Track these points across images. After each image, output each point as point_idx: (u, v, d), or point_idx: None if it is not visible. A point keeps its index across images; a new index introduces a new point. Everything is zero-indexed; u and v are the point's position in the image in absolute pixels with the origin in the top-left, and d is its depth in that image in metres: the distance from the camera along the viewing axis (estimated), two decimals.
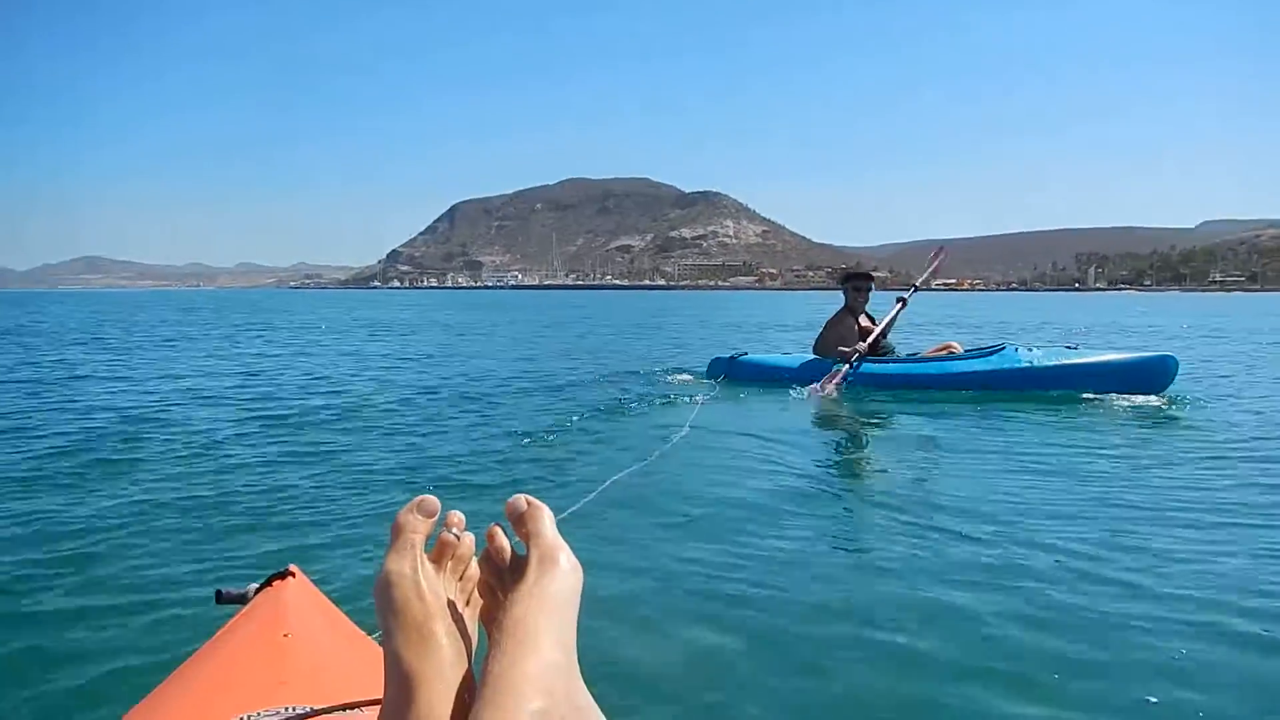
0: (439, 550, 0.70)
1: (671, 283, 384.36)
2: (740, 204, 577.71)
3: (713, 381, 7.77)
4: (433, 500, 0.69)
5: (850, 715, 1.89)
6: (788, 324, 22.73)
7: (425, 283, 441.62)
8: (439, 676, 0.61)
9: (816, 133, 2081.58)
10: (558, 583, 0.63)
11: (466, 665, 0.64)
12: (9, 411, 6.19)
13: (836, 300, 8.12)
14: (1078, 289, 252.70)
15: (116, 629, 2.28)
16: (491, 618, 0.66)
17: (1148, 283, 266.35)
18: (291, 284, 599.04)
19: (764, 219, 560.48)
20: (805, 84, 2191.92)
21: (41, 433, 5.33)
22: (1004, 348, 7.32)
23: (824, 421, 6.10)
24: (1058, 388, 6.96)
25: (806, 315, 28.01)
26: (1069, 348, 7.42)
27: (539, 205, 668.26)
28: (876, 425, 6.02)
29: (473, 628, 0.69)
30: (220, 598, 1.35)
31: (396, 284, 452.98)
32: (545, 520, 0.67)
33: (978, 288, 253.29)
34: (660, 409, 6.41)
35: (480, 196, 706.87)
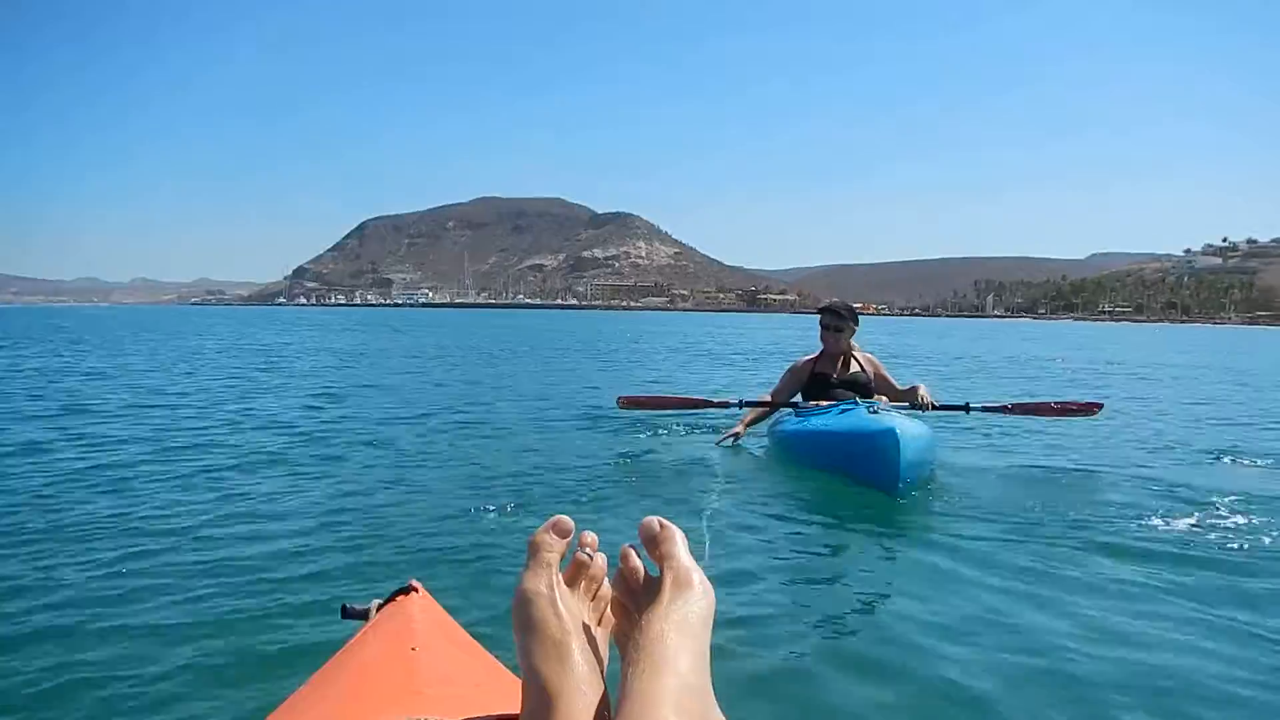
0: (574, 570, 0.70)
1: (584, 302, 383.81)
2: (652, 225, 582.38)
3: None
4: (567, 521, 0.69)
5: None
6: (750, 349, 22.28)
7: (333, 300, 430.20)
8: (576, 692, 0.61)
9: (727, 157, 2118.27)
10: (693, 604, 0.64)
11: (602, 682, 0.64)
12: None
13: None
14: (978, 315, 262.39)
15: (243, 642, 2.33)
16: (626, 637, 0.66)
17: (1042, 311, 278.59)
18: (193, 300, 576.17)
19: (676, 240, 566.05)
20: (717, 109, 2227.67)
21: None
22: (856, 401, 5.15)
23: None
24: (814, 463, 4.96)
25: (760, 340, 27.83)
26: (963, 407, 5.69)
27: (451, 223, 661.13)
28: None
29: (605, 646, 0.69)
30: (345, 613, 1.37)
31: (303, 301, 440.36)
32: (679, 542, 0.67)
33: (882, 313, 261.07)
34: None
35: (391, 214, 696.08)
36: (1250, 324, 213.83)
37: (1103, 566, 3.18)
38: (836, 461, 4.68)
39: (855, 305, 6.01)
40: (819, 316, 5.86)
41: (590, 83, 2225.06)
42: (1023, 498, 4.34)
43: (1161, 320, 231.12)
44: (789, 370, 5.97)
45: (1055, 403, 6.17)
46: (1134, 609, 2.71)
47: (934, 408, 5.46)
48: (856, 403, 5.02)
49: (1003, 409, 5.92)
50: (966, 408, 5.73)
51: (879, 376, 5.72)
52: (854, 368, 5.74)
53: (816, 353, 5.87)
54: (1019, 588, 2.90)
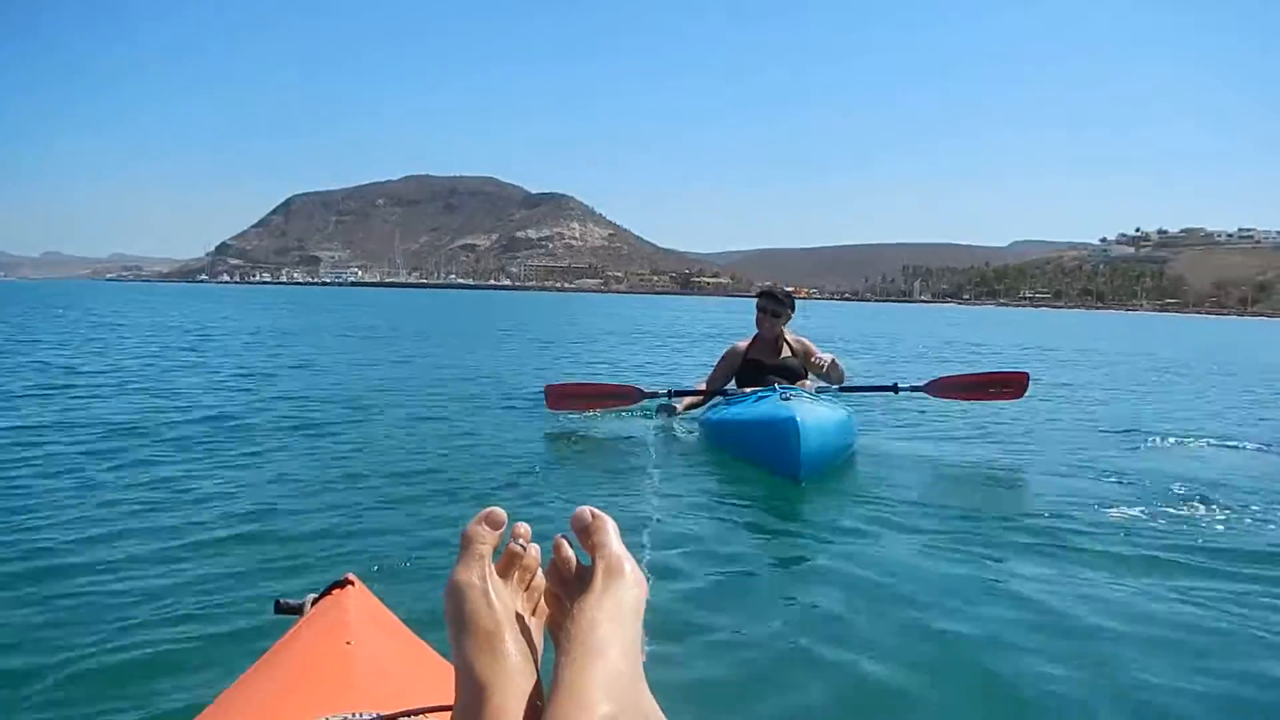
0: (506, 561, 0.71)
1: (517, 283, 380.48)
2: (587, 207, 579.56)
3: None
4: (500, 513, 0.69)
5: None
6: (689, 333, 22.34)
7: (258, 278, 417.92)
8: (509, 683, 0.62)
9: (662, 140, 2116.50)
10: (624, 593, 0.64)
11: (535, 672, 0.65)
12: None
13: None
14: (905, 300, 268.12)
15: (173, 639, 2.28)
16: (559, 627, 0.67)
17: (966, 297, 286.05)
18: (109, 276, 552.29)
19: (610, 223, 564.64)
20: (651, 93, 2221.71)
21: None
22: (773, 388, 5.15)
23: None
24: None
25: (701, 323, 27.91)
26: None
27: (380, 200, 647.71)
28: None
29: (539, 637, 0.70)
30: (279, 608, 1.36)
31: (226, 278, 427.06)
32: (611, 532, 0.68)
33: (814, 296, 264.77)
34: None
35: (318, 190, 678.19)
36: (1160, 311, 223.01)
37: (1008, 552, 3.25)
38: (749, 449, 4.67)
39: (789, 289, 6.03)
40: (756, 300, 5.86)
41: (524, 62, 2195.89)
42: (941, 484, 4.44)
43: (1078, 306, 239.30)
44: (724, 355, 5.97)
45: (981, 374, 6.28)
46: (1055, 595, 2.76)
47: (842, 382, 5.64)
48: (774, 389, 5.01)
49: (929, 388, 6.01)
50: (894, 388, 5.88)
51: (808, 357, 5.74)
52: (785, 352, 5.77)
53: (751, 337, 5.88)
54: (924, 574, 2.94)
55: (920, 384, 6.05)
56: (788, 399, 4.65)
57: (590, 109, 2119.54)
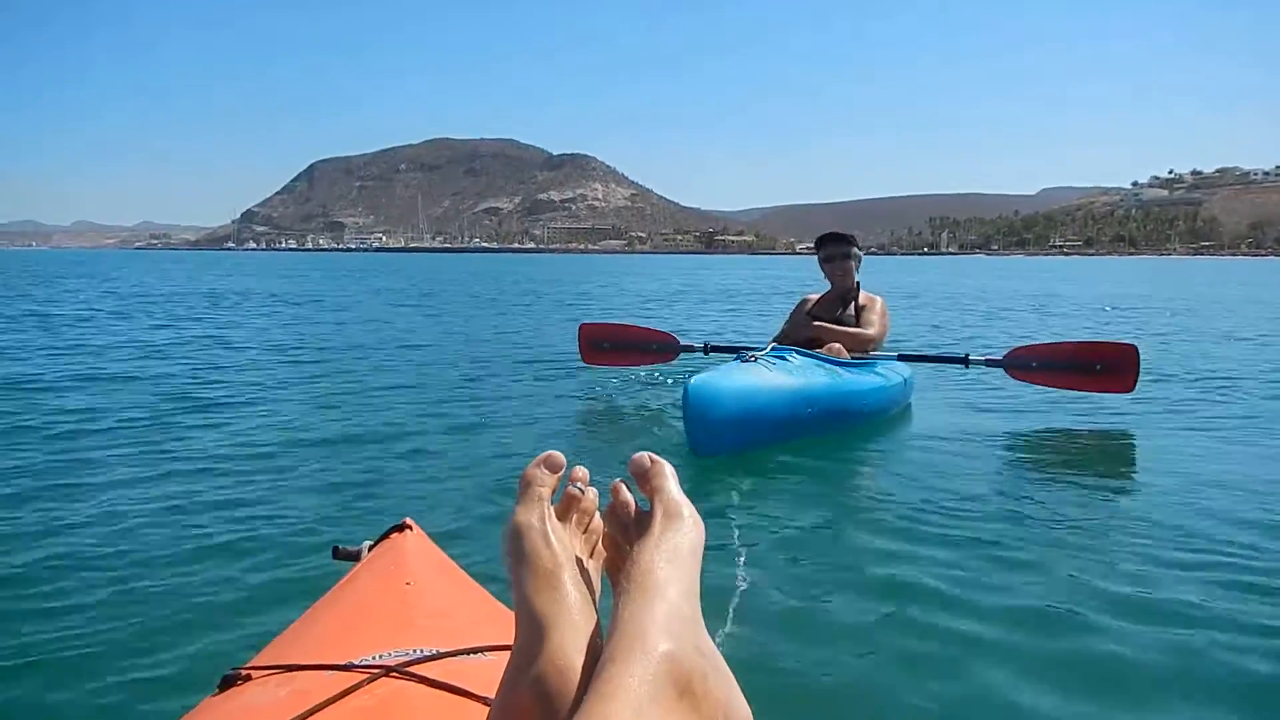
0: (565, 504, 0.72)
1: (541, 246, 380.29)
2: (609, 167, 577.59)
3: None
4: (558, 456, 0.70)
5: None
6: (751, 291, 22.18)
7: (283, 244, 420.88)
8: (568, 622, 0.63)
9: (683, 96, 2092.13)
10: (682, 535, 0.65)
11: (594, 612, 0.66)
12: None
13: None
14: (930, 253, 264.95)
15: (237, 582, 2.34)
16: (617, 569, 0.68)
17: (995, 247, 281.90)
18: (137, 244, 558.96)
19: (632, 182, 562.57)
20: (671, 49, 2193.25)
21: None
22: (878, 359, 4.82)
23: None
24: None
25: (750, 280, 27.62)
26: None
27: (403, 165, 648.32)
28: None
29: (597, 579, 0.70)
30: (337, 554, 1.37)
31: (252, 245, 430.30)
32: (669, 476, 0.68)
33: None
34: None
35: (341, 155, 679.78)
36: (1195, 254, 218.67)
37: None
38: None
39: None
40: (820, 251, 5.14)
41: (545, 24, 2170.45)
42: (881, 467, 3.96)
43: (1110, 253, 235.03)
44: (796, 307, 5.32)
45: (1073, 346, 5.11)
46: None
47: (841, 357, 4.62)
48: (741, 353, 4.36)
49: (1006, 362, 5.01)
50: (965, 360, 5.04)
51: (869, 323, 4.95)
52: (849, 309, 5.01)
53: (826, 290, 5.20)
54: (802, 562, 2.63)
55: (997, 357, 5.08)
56: (746, 361, 4.10)
57: (609, 70, 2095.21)
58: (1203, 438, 4.37)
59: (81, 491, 3.20)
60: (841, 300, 5.06)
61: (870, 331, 4.92)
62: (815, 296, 5.24)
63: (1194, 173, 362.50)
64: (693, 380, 3.74)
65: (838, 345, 4.69)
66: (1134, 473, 3.80)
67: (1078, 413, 4.92)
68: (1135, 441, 4.35)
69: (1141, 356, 4.70)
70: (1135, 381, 4.70)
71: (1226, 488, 3.33)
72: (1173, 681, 1.88)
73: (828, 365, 4.40)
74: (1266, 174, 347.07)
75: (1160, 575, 2.45)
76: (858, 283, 5.08)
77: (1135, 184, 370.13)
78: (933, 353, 5.61)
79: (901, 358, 5.00)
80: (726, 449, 3.79)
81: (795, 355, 4.34)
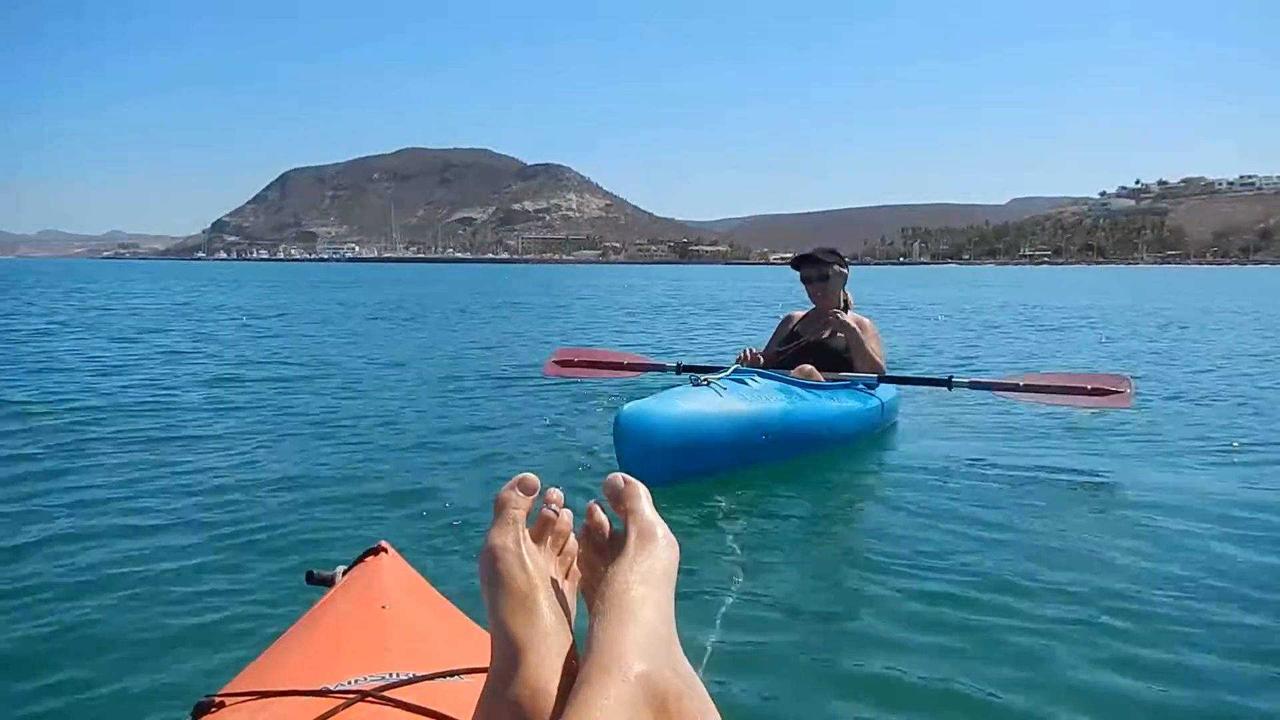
0: (540, 526, 0.72)
1: (515, 256, 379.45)
2: (583, 177, 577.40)
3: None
4: (533, 478, 0.70)
5: None
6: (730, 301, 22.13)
7: (255, 254, 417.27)
8: (544, 644, 0.63)
9: (656, 108, 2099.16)
10: (657, 556, 0.65)
11: (569, 634, 0.66)
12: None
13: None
14: (904, 263, 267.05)
15: (204, 610, 2.30)
16: (592, 590, 0.68)
17: (966, 257, 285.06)
18: (105, 254, 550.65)
19: (607, 193, 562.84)
20: (645, 61, 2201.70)
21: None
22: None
23: None
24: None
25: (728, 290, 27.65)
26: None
27: (376, 175, 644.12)
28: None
29: (573, 600, 0.71)
30: (311, 579, 1.37)
31: (223, 255, 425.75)
32: (643, 498, 0.68)
33: None
34: None
35: (313, 165, 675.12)
36: (1162, 263, 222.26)
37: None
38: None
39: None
40: (799, 270, 5.02)
41: (515, 34, 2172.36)
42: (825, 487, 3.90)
43: (1079, 263, 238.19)
44: (779, 324, 5.24)
45: (1068, 378, 4.84)
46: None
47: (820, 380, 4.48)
48: (694, 375, 4.18)
49: (997, 386, 4.78)
50: (948, 383, 4.85)
51: (857, 345, 4.73)
52: (834, 330, 4.81)
53: (810, 308, 5.11)
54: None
55: (983, 380, 4.93)
56: (699, 384, 3.92)
57: (583, 79, 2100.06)
58: (1203, 459, 4.24)
59: (48, 514, 3.12)
60: (821, 320, 4.92)
61: (871, 355, 4.75)
62: (799, 314, 5.16)
63: (1160, 183, 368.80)
64: (625, 407, 3.62)
65: (808, 367, 4.52)
66: (1133, 502, 3.51)
67: (1068, 437, 4.79)
68: (1134, 465, 4.13)
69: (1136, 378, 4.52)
70: (1132, 396, 4.48)
71: (1224, 519, 3.17)
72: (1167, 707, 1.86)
73: (791, 388, 4.22)
74: (1230, 184, 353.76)
75: (1149, 614, 2.32)
76: (848, 298, 5.00)
77: (1103, 194, 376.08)
78: (914, 374, 5.45)
79: (882, 379, 4.80)
80: (661, 479, 3.45)
81: (756, 378, 4.15)
